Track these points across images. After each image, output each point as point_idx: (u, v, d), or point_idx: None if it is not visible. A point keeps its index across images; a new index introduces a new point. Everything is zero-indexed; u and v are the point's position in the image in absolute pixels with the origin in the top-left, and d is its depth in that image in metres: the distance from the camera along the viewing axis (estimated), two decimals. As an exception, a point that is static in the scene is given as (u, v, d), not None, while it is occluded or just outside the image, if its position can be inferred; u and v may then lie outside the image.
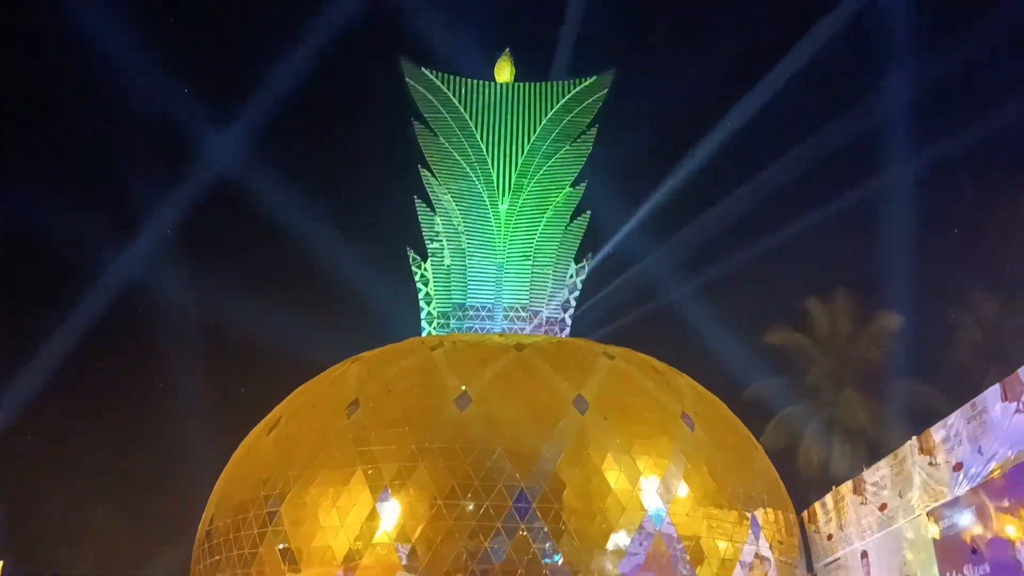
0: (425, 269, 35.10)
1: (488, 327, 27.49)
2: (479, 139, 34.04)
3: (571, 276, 35.03)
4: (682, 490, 19.22)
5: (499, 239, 34.21)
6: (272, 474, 19.57)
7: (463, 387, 19.73)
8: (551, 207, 34.14)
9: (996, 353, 26.05)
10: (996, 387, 14.48)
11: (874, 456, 21.51)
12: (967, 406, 15.42)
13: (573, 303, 34.60)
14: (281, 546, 18.54)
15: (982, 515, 15.10)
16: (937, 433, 16.42)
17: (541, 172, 34.45)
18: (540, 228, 34.33)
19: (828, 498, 21.38)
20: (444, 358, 21.11)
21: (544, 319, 31.91)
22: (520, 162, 34.51)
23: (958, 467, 15.82)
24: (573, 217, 33.89)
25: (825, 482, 25.66)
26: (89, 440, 33.68)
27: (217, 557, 19.56)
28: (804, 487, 27.02)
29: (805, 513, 22.54)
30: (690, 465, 19.53)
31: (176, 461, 31.18)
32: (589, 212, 34.60)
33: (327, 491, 18.62)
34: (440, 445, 18.63)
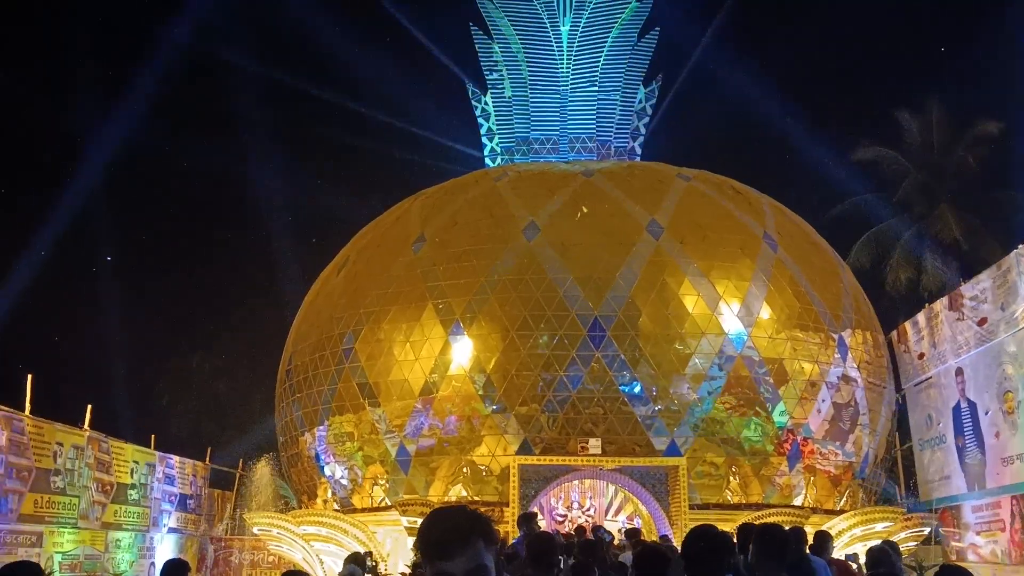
0: (486, 103, 33.60)
1: (554, 160, 26.24)
2: (535, -46, 31.39)
3: (640, 101, 33.10)
4: (764, 312, 18.39)
5: (562, 65, 32.20)
6: (344, 313, 19.49)
7: (531, 216, 18.88)
8: (616, 25, 31.65)
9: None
10: None
11: (967, 274, 20.14)
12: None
13: (643, 131, 32.85)
14: (359, 381, 18.66)
15: (1098, 323, 13.87)
16: (1050, 239, 14.98)
17: (604, -15, 31.73)
18: (605, 50, 31.93)
19: (920, 316, 20.30)
20: (509, 188, 20.20)
21: (613, 148, 30.30)
22: (582, -25, 31.84)
23: (1073, 274, 14.48)
24: (642, 35, 31.37)
25: (914, 301, 24.57)
26: (173, 292, 34.61)
27: (299, 394, 19.93)
28: (892, 307, 26.01)
29: (894, 333, 21.57)
30: (772, 287, 18.57)
31: (258, 307, 31.94)
32: (659, 28, 32.11)
33: (399, 327, 18.47)
34: (509, 276, 18.08)
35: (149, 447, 19.31)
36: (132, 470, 18.24)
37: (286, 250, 31.75)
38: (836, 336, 19.16)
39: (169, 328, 32.49)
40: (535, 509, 18.63)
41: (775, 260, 18.97)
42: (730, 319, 18.09)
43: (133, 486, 18.24)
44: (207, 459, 21.87)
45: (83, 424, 16.62)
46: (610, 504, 20.50)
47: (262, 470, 20.16)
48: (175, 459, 20.21)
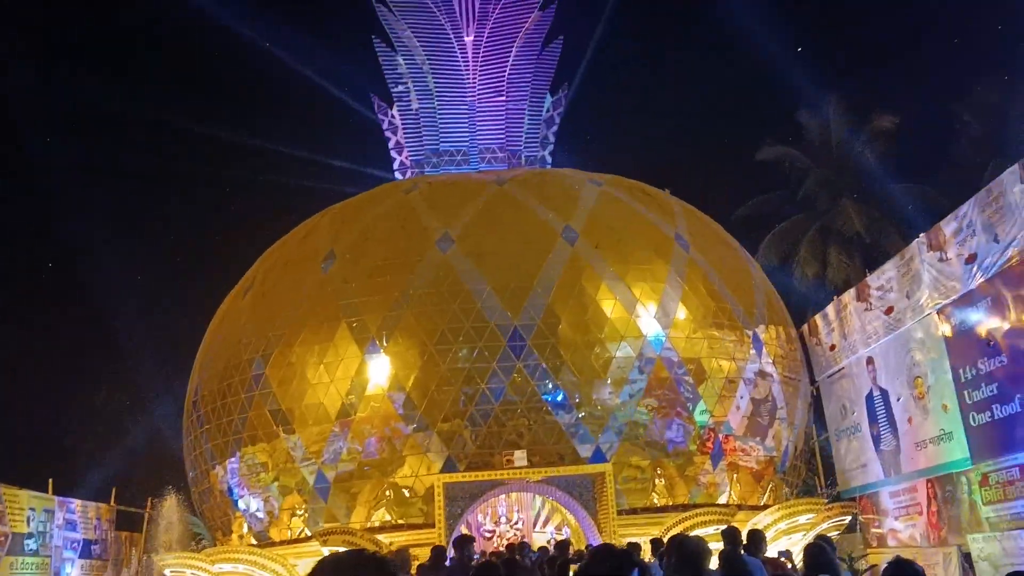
0: (392, 116, 33.08)
1: (464, 171, 25.92)
2: (435, -36, 31.09)
3: (548, 110, 33.15)
4: (680, 312, 18.46)
5: (468, 75, 31.96)
6: (252, 337, 18.66)
7: (444, 228, 18.48)
8: (520, 34, 31.61)
9: (995, 148, 24.92)
10: (1015, 168, 13.35)
11: (872, 265, 20.77)
12: (981, 192, 14.37)
13: (552, 139, 32.88)
14: (271, 408, 17.85)
15: (998, 306, 14.30)
16: (948, 226, 15.45)
17: (506, -5, 31.65)
18: (511, 59, 31.84)
19: (829, 308, 20.75)
20: (420, 199, 19.76)
21: (523, 158, 30.18)
22: (483, -14, 31.68)
23: (971, 259, 14.92)
24: (546, 43, 31.40)
25: (822, 295, 25.22)
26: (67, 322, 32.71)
27: (208, 426, 18.97)
28: (802, 302, 26.63)
29: (805, 327, 21.99)
30: (687, 287, 18.68)
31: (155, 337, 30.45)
32: (562, 37, 32.23)
33: (312, 348, 17.77)
34: (425, 290, 17.63)
35: (46, 492, 17.98)
36: (28, 518, 16.94)
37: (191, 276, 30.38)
38: (751, 333, 19.40)
39: (64, 362, 30.61)
40: (464, 529, 18.20)
41: (688, 260, 19.10)
42: (648, 321, 18.08)
43: (30, 535, 16.94)
44: (112, 500, 20.55)
45: (-32, 473, 15.32)
46: (538, 516, 20.22)
47: (169, 506, 19.01)
48: (76, 503, 18.90)
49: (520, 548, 13.89)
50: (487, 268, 17.84)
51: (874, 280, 18.60)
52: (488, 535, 19.33)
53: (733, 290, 19.40)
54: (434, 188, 20.55)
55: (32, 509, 17.05)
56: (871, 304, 18.88)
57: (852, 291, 19.61)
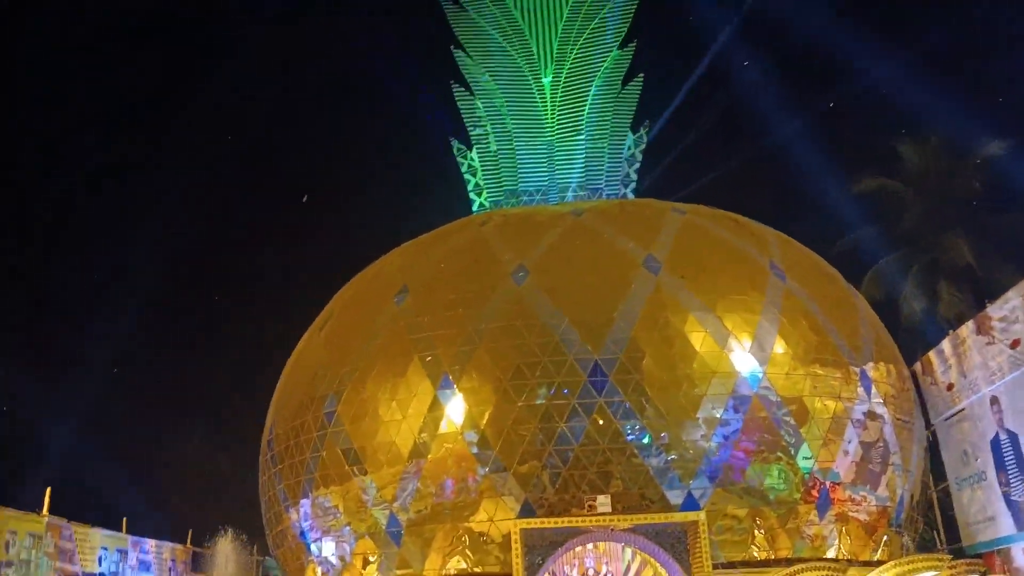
0: (471, 159, 32.84)
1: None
2: (512, 7, 31.01)
3: (629, 148, 32.31)
4: (779, 347, 17.00)
5: (546, 116, 31.48)
6: (326, 373, 18.16)
7: (519, 260, 17.67)
8: (599, 74, 31.08)
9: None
10: None
11: (983, 298, 18.85)
12: None
13: (634, 176, 31.94)
14: (343, 447, 17.17)
15: None
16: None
17: (584, 36, 31.20)
18: (589, 99, 31.22)
19: (945, 344, 18.95)
20: (495, 232, 19.07)
21: (604, 196, 29.24)
22: (560, 28, 31.35)
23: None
24: (625, 82, 30.71)
25: (931, 333, 23.19)
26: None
27: (280, 465, 18.43)
28: (908, 340, 24.56)
29: (918, 364, 20.19)
30: (785, 319, 17.24)
31: (241, 381, 30.46)
32: (643, 75, 31.49)
33: (383, 384, 17.10)
34: (499, 324, 16.79)
35: (120, 531, 17.68)
36: (101, 557, 16.62)
37: (269, 316, 30.43)
38: (858, 370, 17.74)
39: (147, 404, 30.87)
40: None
41: (784, 291, 17.69)
42: (742, 356, 16.70)
43: (102, 575, 16.59)
44: (188, 541, 20.16)
45: (41, 509, 15.09)
46: (628, 568, 18.80)
47: (223, 546, 18.42)
48: (151, 543, 18.57)
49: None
50: (564, 300, 16.89)
51: (996, 310, 16.84)
52: (578, 589, 18.02)
53: (837, 324, 17.84)
54: (509, 220, 19.87)
55: (104, 548, 16.75)
56: (994, 337, 17.07)
57: (971, 324, 17.82)
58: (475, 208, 30.57)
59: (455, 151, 33.13)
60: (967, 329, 17.93)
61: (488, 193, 31.63)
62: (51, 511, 15.20)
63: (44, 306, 32.25)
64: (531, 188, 30.58)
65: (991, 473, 17.37)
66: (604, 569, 18.88)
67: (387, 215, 37.05)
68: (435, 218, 22.16)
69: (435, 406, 16.61)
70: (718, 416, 16.45)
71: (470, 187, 32.52)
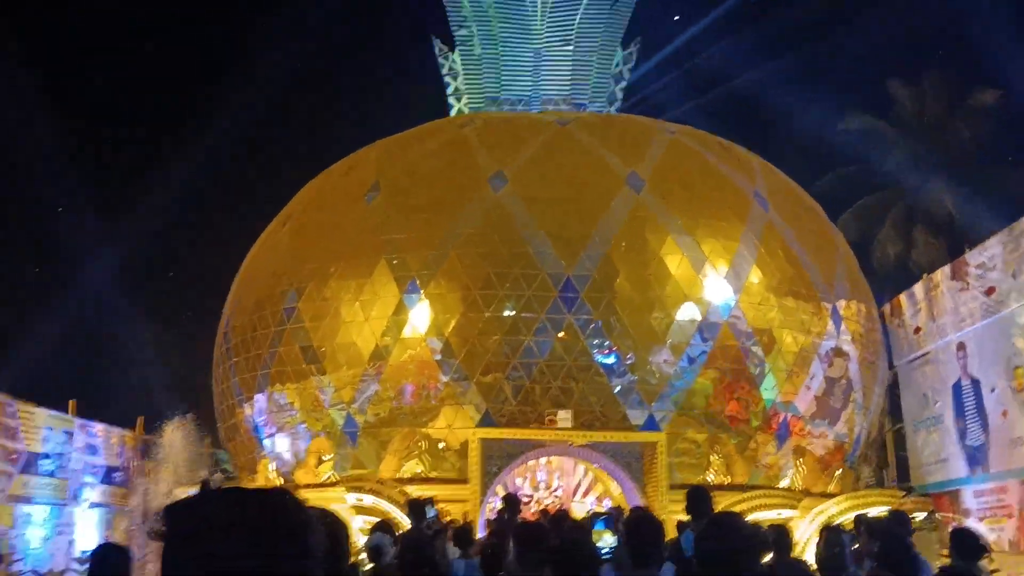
0: (453, 60, 31.56)
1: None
2: (510, -98, 29.30)
3: (617, 64, 31.25)
4: (754, 277, 16.72)
5: (536, 21, 30.20)
6: (288, 269, 17.52)
7: (498, 166, 16.99)
8: (594, -19, 29.71)
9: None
10: None
11: (959, 250, 18.66)
12: None
13: (620, 95, 31.01)
14: (302, 344, 16.72)
15: None
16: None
17: (582, -60, 29.68)
18: (581, 8, 29.93)
19: (917, 287, 18.81)
20: (475, 135, 18.29)
21: (587, 112, 28.33)
22: (558, -70, 29.80)
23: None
24: (619, -4, 29.41)
25: (903, 279, 23.15)
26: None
27: (236, 359, 17.94)
28: (879, 282, 24.54)
29: (887, 306, 20.11)
30: (763, 249, 16.91)
31: (200, 273, 29.72)
32: (637, -11, 30.19)
33: (348, 284, 16.54)
34: (473, 230, 16.21)
35: (67, 412, 17.20)
36: (46, 437, 16.17)
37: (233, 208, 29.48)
38: (830, 306, 17.58)
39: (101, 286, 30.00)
40: (500, 490, 16.92)
41: (766, 221, 17.31)
42: (716, 283, 16.40)
43: (46, 455, 16.17)
44: (137, 428, 19.76)
45: (-19, 386, 14.52)
46: (578, 484, 18.87)
47: (173, 434, 18.05)
48: (98, 427, 18.14)
49: (559, 517, 12.60)
50: (542, 212, 16.32)
51: (974, 257, 16.63)
52: (526, 500, 17.98)
53: (814, 258, 17.57)
54: (490, 124, 19.08)
55: (50, 428, 16.28)
56: (969, 284, 16.92)
57: (947, 268, 17.64)
58: (453, 113, 29.57)
59: (436, 51, 31.92)
60: (942, 274, 17.77)
61: (469, 99, 30.48)
62: (-7, 387, 14.64)
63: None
64: (514, 97, 29.48)
65: (949, 417, 17.48)
66: (555, 483, 18.95)
67: (359, 114, 35.80)
68: (411, 122, 21.19)
69: (400, 310, 16.14)
70: (686, 341, 16.22)
71: (449, 91, 31.44)
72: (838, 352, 17.71)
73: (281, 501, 1.36)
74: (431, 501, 10.17)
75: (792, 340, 16.83)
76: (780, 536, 6.40)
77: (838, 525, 6.31)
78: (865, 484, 19.03)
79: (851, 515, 16.05)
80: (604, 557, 4.94)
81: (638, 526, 4.24)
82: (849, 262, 19.38)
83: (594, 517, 6.98)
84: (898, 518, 6.81)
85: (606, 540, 5.22)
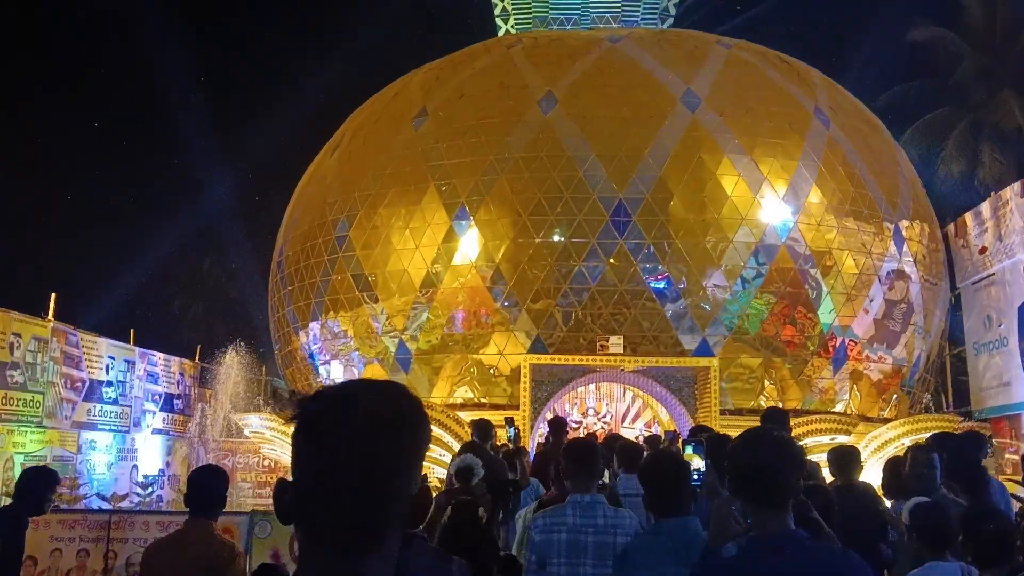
0: (500, -20, 30.70)
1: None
2: None
3: (670, -22, 30.05)
4: (813, 196, 16.17)
5: (584, -63, 29.07)
6: (337, 197, 17.47)
7: (548, 86, 16.53)
8: None
9: None
10: None
11: (1024, 170, 17.72)
12: None
13: (673, 11, 29.85)
14: (354, 272, 16.76)
15: None
16: None
17: None
18: (632, -80, 28.58)
19: (984, 206, 18.01)
20: (523, 55, 17.76)
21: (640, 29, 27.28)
22: None
23: None
24: (670, -100, 27.96)
25: (967, 197, 22.22)
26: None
27: (290, 287, 18.12)
28: (941, 202, 23.64)
29: (951, 226, 19.34)
30: (824, 168, 16.29)
31: (251, 204, 29.95)
32: None
33: (398, 211, 16.44)
34: (522, 154, 15.88)
35: (128, 342, 17.62)
36: (108, 366, 16.60)
37: (281, 137, 29.45)
38: (892, 226, 16.97)
39: (155, 223, 30.49)
40: (558, 414, 17.02)
41: (827, 138, 16.63)
42: (774, 204, 15.90)
43: (109, 383, 16.64)
44: (196, 357, 20.22)
45: (46, 314, 14.86)
46: (627, 410, 18.88)
47: (230, 361, 18.38)
48: (158, 356, 18.56)
49: (611, 439, 12.58)
50: (593, 132, 15.89)
51: (1049, 172, 15.87)
52: (575, 426, 18.07)
53: (876, 176, 16.90)
54: (539, 43, 18.48)
55: (112, 357, 16.69)
56: (1041, 200, 16.18)
57: (1016, 185, 16.81)
58: (500, 35, 28.78)
59: (482, -29, 31.00)
60: (1011, 191, 16.96)
61: (516, 20, 29.65)
62: (56, 318, 14.99)
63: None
64: (562, 16, 28.64)
65: (1013, 340, 16.90)
66: (604, 410, 18.98)
67: (403, 38, 35.14)
68: (457, 45, 20.66)
69: (450, 237, 16.03)
70: (742, 264, 15.86)
71: (496, 12, 30.61)
72: (899, 274, 17.19)
73: (405, 395, 1.46)
74: (511, 420, 10.16)
75: (852, 262, 16.34)
76: (840, 457, 6.20)
77: (927, 443, 6.07)
78: (922, 409, 18.67)
79: (906, 441, 15.91)
80: (694, 484, 4.81)
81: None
82: (912, 180, 18.64)
83: (680, 440, 6.85)
84: (973, 437, 6.54)
85: (695, 464, 5.07)
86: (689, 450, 5.39)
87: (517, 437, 8.35)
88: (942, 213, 21.05)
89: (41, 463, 14.04)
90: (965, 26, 26.78)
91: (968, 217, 18.67)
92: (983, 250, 18.19)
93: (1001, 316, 17.51)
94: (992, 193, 17.94)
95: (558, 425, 8.27)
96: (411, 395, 1.46)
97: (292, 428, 1.42)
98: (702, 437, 6.14)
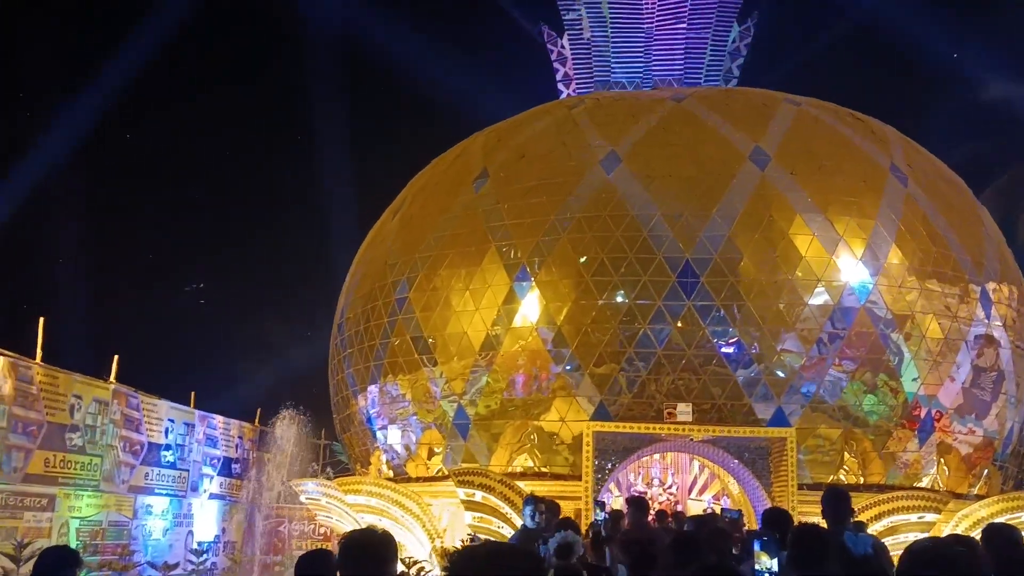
0: (562, 46, 30.96)
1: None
2: None
3: (733, 40, 29.87)
4: (893, 257, 15.32)
5: (646, 1, 29.23)
6: (398, 259, 17.32)
7: (611, 146, 16.22)
8: (706, -46, 28.42)
9: None
10: None
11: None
12: None
13: (737, 73, 29.63)
14: (413, 335, 16.46)
15: None
16: None
17: (691, -86, 28.47)
18: (694, -17, 28.75)
19: (1080, 266, 16.91)
20: (585, 115, 17.54)
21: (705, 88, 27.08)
22: (665, -96, 28.65)
23: None
24: (734, -34, 28.06)
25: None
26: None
27: (350, 350, 17.91)
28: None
29: (1041, 288, 18.16)
30: (903, 226, 15.48)
31: (315, 266, 30.22)
32: (753, -42, 28.74)
33: (457, 273, 16.16)
34: (584, 214, 15.51)
35: (188, 405, 17.59)
36: (167, 429, 16.56)
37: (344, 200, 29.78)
38: (978, 288, 15.96)
39: (232, 286, 30.99)
40: (614, 488, 16.25)
41: (905, 196, 15.85)
42: (851, 264, 15.11)
43: (168, 447, 16.56)
44: (256, 420, 20.11)
45: (108, 376, 14.92)
46: (694, 481, 17.97)
47: (285, 426, 18.09)
48: (218, 419, 18.50)
49: (676, 517, 11.82)
50: (658, 192, 15.45)
51: None
52: (638, 494, 17.23)
53: (959, 236, 15.99)
54: (601, 104, 18.25)
55: (171, 420, 16.66)
56: None
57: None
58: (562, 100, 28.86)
59: (544, 37, 31.32)
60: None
61: (578, 84, 29.85)
62: (118, 380, 15.02)
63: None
64: (624, 80, 28.67)
65: (1118, 411, 15.60)
66: (670, 480, 18.11)
67: (466, 105, 35.59)
68: (519, 110, 20.66)
69: (510, 299, 15.63)
70: (818, 328, 15.03)
71: (558, 77, 30.82)
72: (988, 339, 16.08)
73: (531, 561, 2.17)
74: (602, 503, 9.61)
75: (936, 326, 15.35)
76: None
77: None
78: (1012, 485, 17.28)
79: (1002, 519, 14.60)
80: None
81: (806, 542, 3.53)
82: (998, 240, 17.62)
83: (749, 537, 6.16)
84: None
85: (764, 564, 4.40)
86: (757, 547, 4.70)
87: (607, 521, 7.75)
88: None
89: (97, 528, 13.87)
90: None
91: (1060, 278, 17.53)
92: (1078, 313, 17.01)
93: (1102, 385, 16.23)
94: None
95: (639, 505, 7.65)
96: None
97: None
98: (775, 532, 5.42)
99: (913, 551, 2.44)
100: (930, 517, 14.28)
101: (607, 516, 8.14)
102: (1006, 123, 26.10)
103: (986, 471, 16.66)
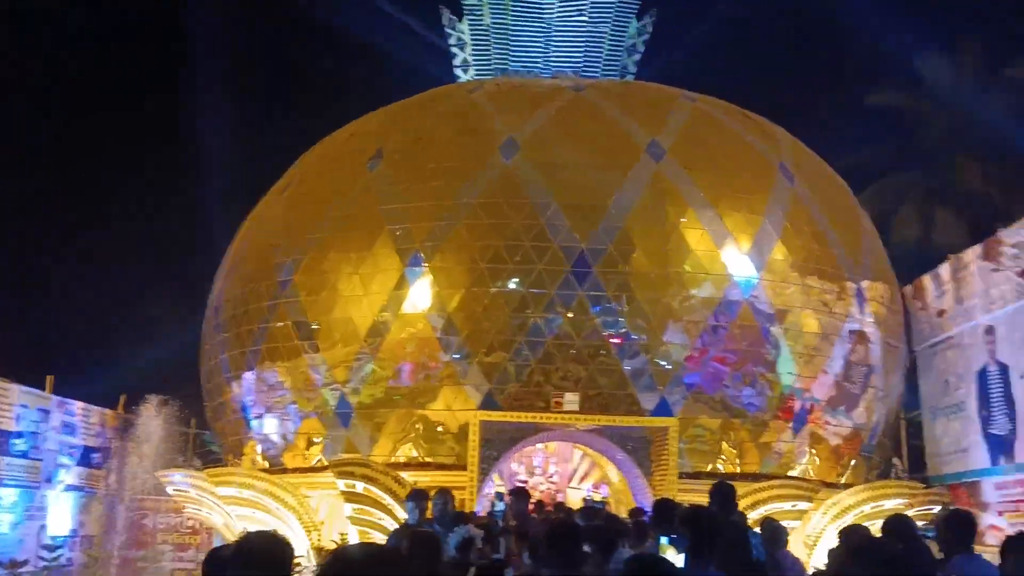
0: (461, 30, 30.43)
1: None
2: None
3: (631, 36, 30.13)
4: (778, 254, 15.76)
5: (547, -8, 29.08)
6: (284, 240, 16.53)
7: (510, 132, 15.97)
8: (608, -53, 28.49)
9: None
10: None
11: (981, 234, 17.72)
12: None
13: (633, 69, 29.90)
14: (296, 319, 15.74)
15: None
16: None
17: (595, -94, 28.38)
18: (594, -23, 28.71)
19: (943, 268, 17.86)
20: (486, 100, 17.24)
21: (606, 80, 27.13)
22: None
23: None
24: (636, -38, 28.15)
25: (920, 259, 22.21)
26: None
27: (226, 334, 16.96)
28: (895, 266, 23.65)
29: (909, 287, 19.17)
30: (788, 224, 15.94)
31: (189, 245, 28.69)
32: (655, -44, 29.01)
33: (348, 256, 15.55)
34: (481, 200, 15.21)
35: (43, 390, 16.22)
36: (19, 415, 15.22)
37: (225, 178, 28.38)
38: (854, 286, 16.65)
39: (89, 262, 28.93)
40: (497, 477, 16.07)
41: (792, 194, 16.33)
42: (738, 259, 15.43)
43: (19, 434, 15.23)
44: (120, 407, 18.80)
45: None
46: (575, 470, 18.06)
47: (151, 414, 17.06)
48: (77, 405, 17.18)
49: (557, 508, 11.78)
50: (556, 181, 15.31)
51: (1010, 235, 15.69)
52: (519, 485, 17.14)
53: (840, 235, 16.63)
54: (502, 89, 18.03)
55: (24, 406, 15.32)
56: (1002, 264, 16.00)
57: (978, 248, 16.70)
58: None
59: (443, 21, 30.74)
60: (972, 254, 16.84)
61: (476, 71, 29.40)
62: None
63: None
64: (523, 69, 28.44)
65: (971, 404, 16.64)
66: (552, 469, 18.14)
67: (362, 84, 34.59)
68: (414, 92, 20.09)
69: (401, 284, 15.16)
70: (703, 321, 15.28)
71: (456, 62, 30.31)
72: (860, 335, 16.82)
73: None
74: (501, 495, 9.38)
75: (814, 321, 15.92)
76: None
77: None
78: (876, 474, 18.23)
79: (866, 507, 15.34)
80: None
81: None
82: (874, 241, 18.49)
83: (652, 527, 6.09)
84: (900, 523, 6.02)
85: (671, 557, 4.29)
86: (664, 541, 4.57)
87: (505, 513, 7.57)
88: (897, 275, 20.93)
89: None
90: (926, 91, 27.26)
91: (927, 279, 18.51)
92: (941, 313, 17.99)
93: (959, 380, 17.23)
94: (951, 256, 17.83)
95: (520, 495, 7.47)
96: None
97: None
98: (667, 522, 5.39)
99: (860, 551, 2.36)
100: (803, 505, 14.82)
101: (506, 507, 7.99)
102: (892, 128, 27.37)
103: (853, 461, 17.45)
